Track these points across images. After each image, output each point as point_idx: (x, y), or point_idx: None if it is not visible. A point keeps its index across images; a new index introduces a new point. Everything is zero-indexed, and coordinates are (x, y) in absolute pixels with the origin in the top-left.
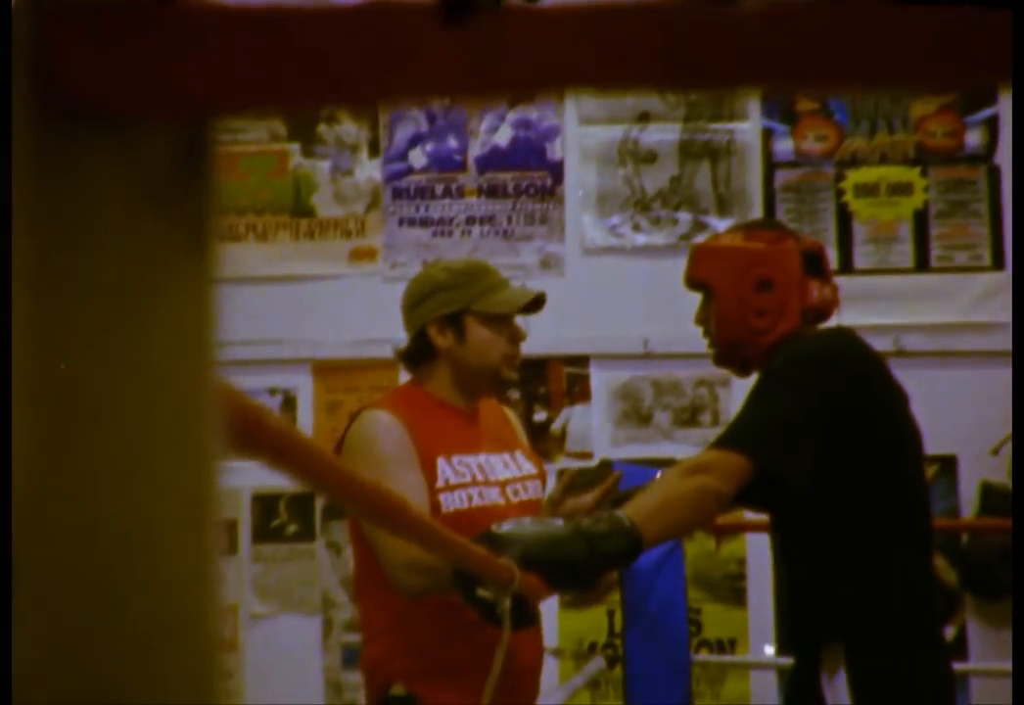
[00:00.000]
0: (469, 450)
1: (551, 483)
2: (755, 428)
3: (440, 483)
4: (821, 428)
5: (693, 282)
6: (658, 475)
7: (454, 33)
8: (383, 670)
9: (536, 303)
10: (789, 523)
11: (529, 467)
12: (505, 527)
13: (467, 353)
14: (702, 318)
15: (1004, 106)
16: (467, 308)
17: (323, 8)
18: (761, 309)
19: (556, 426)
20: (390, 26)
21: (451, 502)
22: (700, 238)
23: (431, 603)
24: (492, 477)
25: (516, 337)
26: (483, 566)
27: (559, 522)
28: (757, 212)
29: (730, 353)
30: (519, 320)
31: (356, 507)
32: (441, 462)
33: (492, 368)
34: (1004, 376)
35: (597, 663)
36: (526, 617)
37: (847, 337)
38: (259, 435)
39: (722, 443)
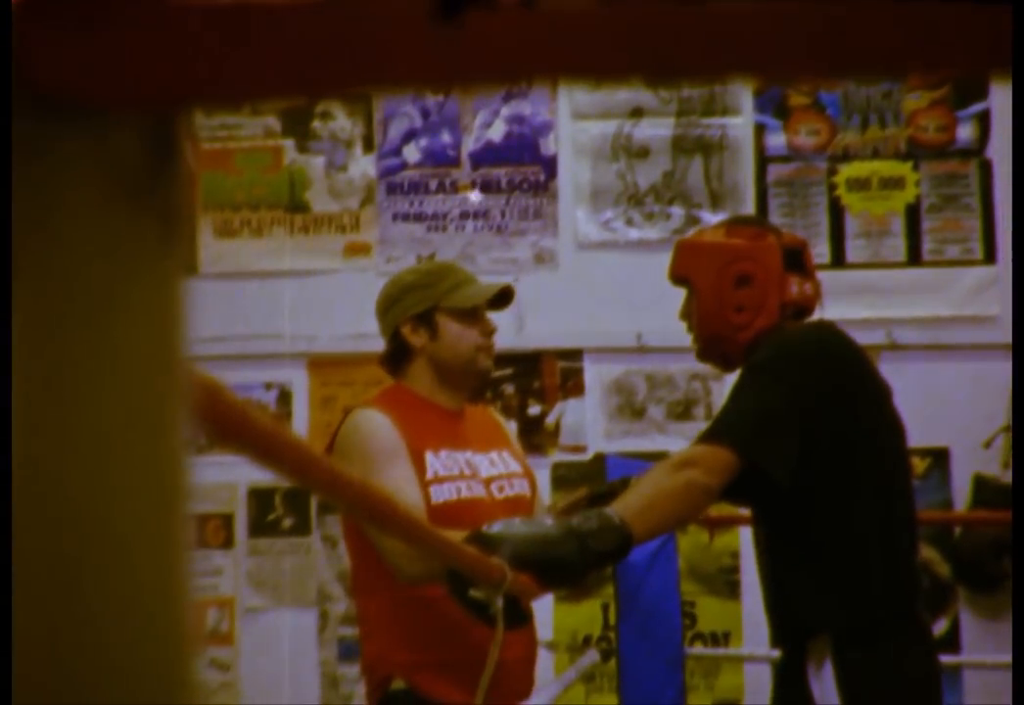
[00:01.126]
0: (456, 446)
1: (546, 480)
2: (740, 421)
3: (429, 475)
4: (804, 420)
5: (676, 277)
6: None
7: (419, 24)
8: (383, 665)
9: (504, 297)
10: (774, 516)
11: (515, 466)
12: (495, 527)
13: (441, 349)
14: (685, 313)
15: (996, 100)
16: (436, 305)
17: None
18: (740, 304)
19: (550, 420)
20: (357, 17)
21: (440, 494)
22: (693, 233)
23: (428, 597)
24: (478, 474)
25: (487, 330)
26: (474, 566)
27: (549, 521)
28: (750, 207)
29: (711, 348)
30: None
31: (344, 505)
32: (430, 456)
33: (467, 360)
34: (996, 369)
35: (590, 656)
36: (519, 616)
37: (829, 330)
38: (244, 431)
39: (707, 437)
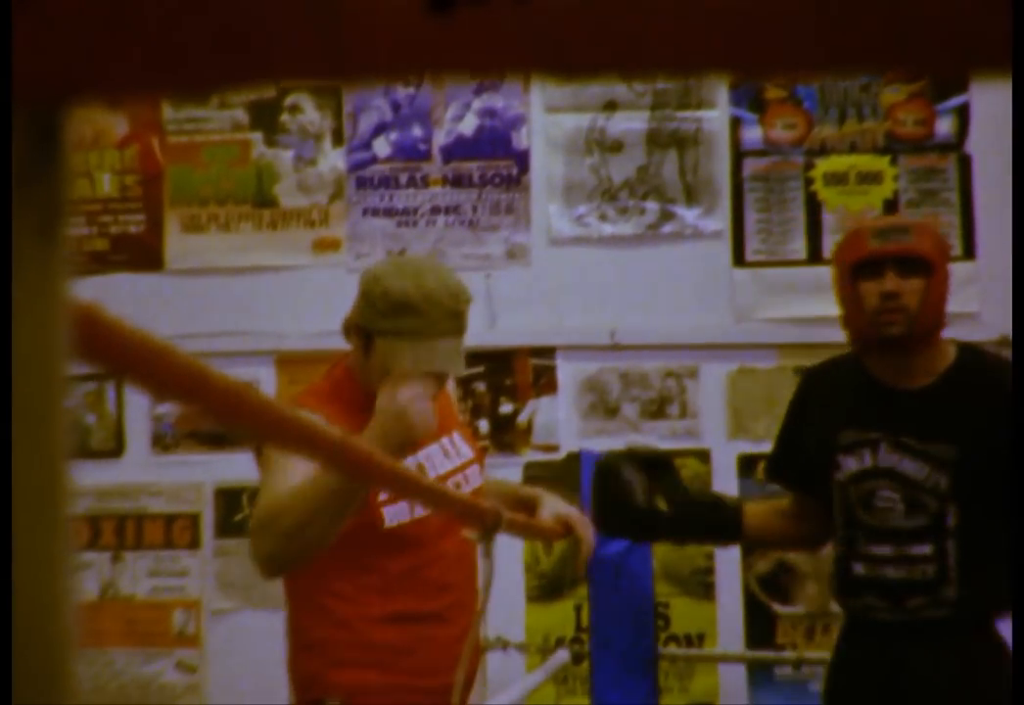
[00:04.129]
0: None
1: (518, 479)
2: None
3: (382, 496)
4: None
5: (912, 254)
6: None
7: (308, 14)
8: (317, 685)
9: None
10: (977, 499)
11: (467, 451)
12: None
13: (365, 370)
14: (898, 290)
15: (975, 94)
16: (383, 335)
17: None
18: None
19: (522, 418)
20: (241, 6)
21: (394, 516)
22: (667, 228)
23: (375, 614)
24: (434, 473)
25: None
26: (467, 511)
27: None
28: (725, 201)
29: (921, 335)
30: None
31: (283, 445)
32: None
33: (374, 394)
34: None
35: (560, 656)
36: None
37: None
38: (111, 346)
39: None
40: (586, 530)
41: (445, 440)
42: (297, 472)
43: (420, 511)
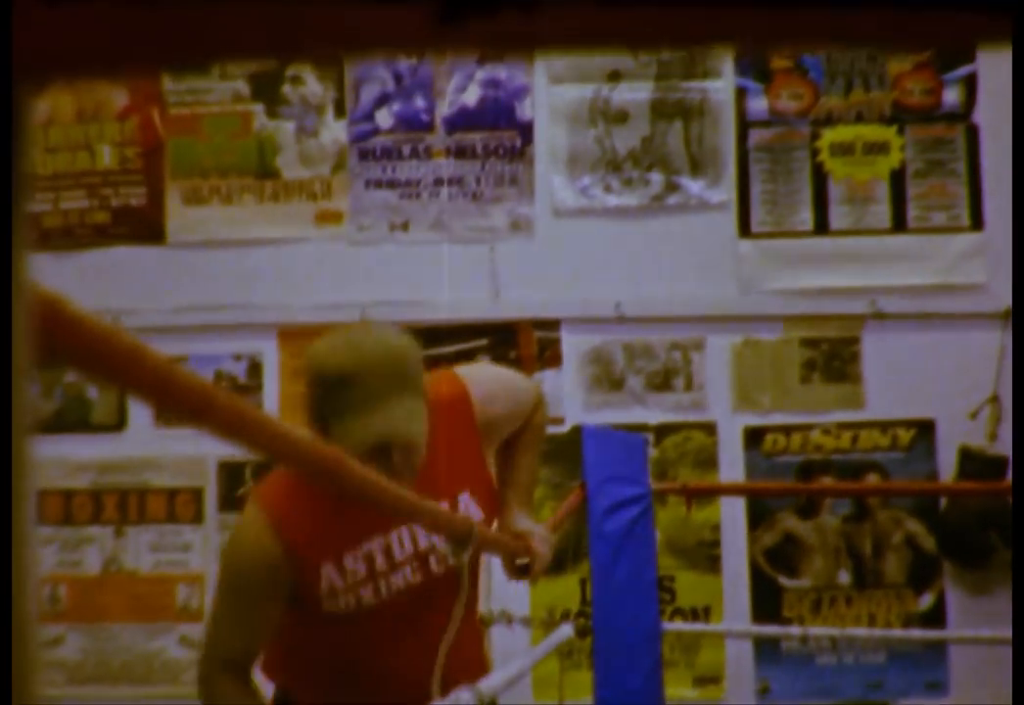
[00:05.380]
0: (369, 535)
1: None
2: None
3: (322, 588)
4: None
5: None
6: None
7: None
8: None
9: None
10: None
11: (476, 512)
12: None
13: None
14: None
15: (982, 63)
16: (327, 414)
17: None
18: None
19: None
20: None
21: (332, 606)
22: (673, 199)
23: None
24: (402, 556)
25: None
26: (439, 522)
27: None
28: (731, 172)
29: None
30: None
31: (249, 445)
32: (327, 569)
33: None
34: (982, 339)
35: (565, 630)
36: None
37: None
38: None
39: None
40: (542, 546)
41: (461, 501)
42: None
43: (367, 597)
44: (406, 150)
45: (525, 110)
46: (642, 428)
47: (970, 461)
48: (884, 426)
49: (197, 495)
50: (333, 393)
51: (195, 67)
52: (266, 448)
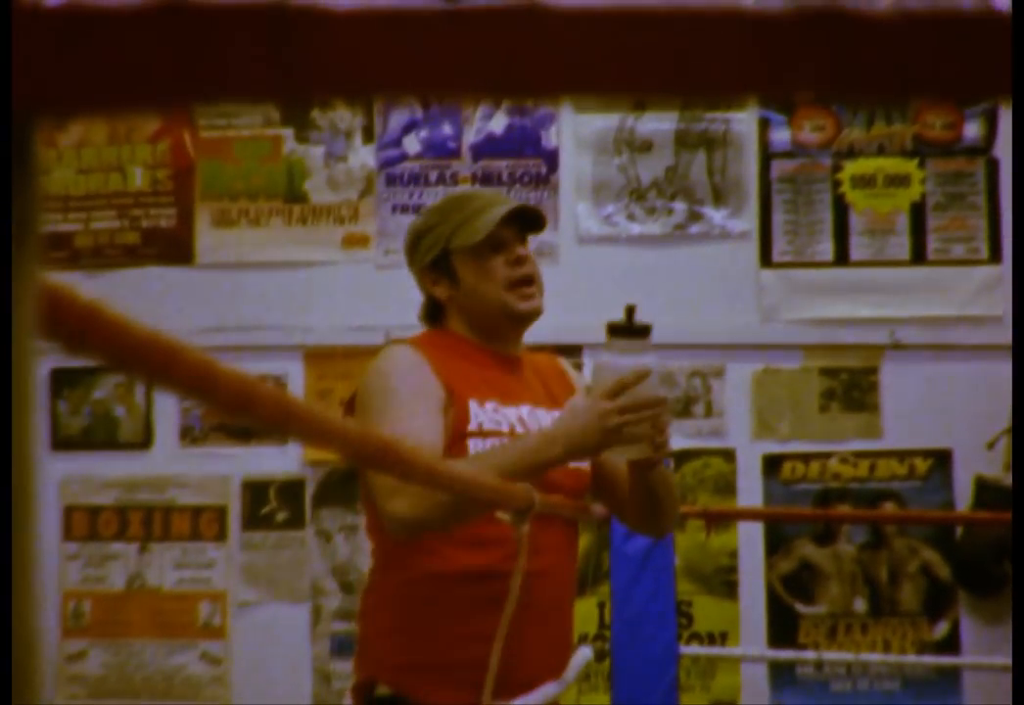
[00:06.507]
0: (507, 399)
1: None
2: None
3: (472, 426)
4: None
5: None
6: None
7: (256, 33)
8: (368, 665)
9: (528, 218)
10: None
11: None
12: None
13: (466, 296)
14: None
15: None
16: (447, 248)
17: (129, 8)
18: None
19: None
20: (193, 25)
21: (479, 450)
22: (695, 228)
23: (425, 595)
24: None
25: (512, 258)
26: (497, 495)
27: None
28: (753, 202)
29: None
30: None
31: (297, 435)
32: (473, 405)
33: (497, 304)
34: (1000, 370)
35: (584, 654)
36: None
37: None
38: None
39: None
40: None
41: (556, 412)
42: (417, 417)
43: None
44: (433, 176)
45: (551, 138)
46: None
47: (986, 491)
48: (901, 455)
49: (221, 513)
50: (446, 220)
51: (202, 105)
52: (311, 437)
